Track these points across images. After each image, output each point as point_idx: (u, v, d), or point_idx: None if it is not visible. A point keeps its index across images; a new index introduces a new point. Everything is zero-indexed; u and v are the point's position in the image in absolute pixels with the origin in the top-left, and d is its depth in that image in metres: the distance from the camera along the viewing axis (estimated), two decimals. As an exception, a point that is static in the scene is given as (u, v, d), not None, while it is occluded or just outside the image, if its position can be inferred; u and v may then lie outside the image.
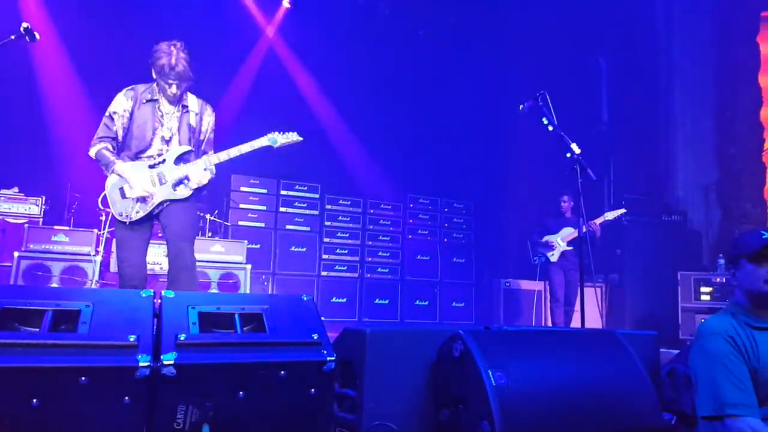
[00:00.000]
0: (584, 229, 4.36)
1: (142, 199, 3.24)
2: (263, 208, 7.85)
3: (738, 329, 2.04)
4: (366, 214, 8.50)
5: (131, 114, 3.30)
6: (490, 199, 9.22)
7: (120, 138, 3.32)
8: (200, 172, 3.30)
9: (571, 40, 8.45)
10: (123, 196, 3.25)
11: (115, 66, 7.06)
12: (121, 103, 3.31)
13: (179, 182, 3.31)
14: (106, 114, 3.32)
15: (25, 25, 2.76)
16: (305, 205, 8.11)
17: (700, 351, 2.05)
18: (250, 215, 7.74)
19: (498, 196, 9.26)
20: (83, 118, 6.98)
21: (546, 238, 6.50)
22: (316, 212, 8.17)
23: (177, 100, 3.39)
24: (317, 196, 8.20)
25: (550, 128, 4.07)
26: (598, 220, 6.11)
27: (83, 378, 1.60)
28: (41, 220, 6.13)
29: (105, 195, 3.30)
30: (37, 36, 2.83)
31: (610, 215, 6.17)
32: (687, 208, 8.14)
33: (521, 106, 4.26)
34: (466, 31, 9.02)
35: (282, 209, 7.96)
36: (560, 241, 6.39)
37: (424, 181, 8.95)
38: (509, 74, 8.73)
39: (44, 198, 6.24)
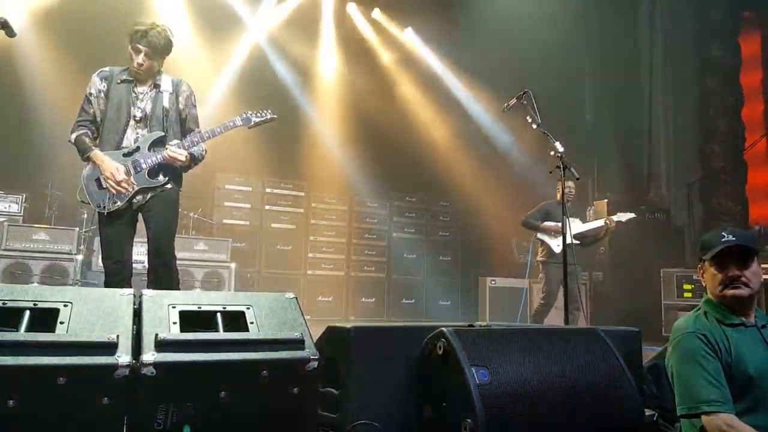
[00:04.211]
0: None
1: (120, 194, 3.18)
2: (248, 206, 7.80)
3: (710, 326, 2.06)
4: (352, 213, 8.48)
5: (107, 94, 3.24)
6: (475, 197, 9.25)
7: (98, 121, 3.27)
8: (173, 152, 3.20)
9: (556, 39, 8.50)
10: (100, 186, 3.18)
11: (98, 61, 6.97)
12: (94, 84, 3.27)
13: (154, 169, 3.24)
14: (84, 97, 3.28)
15: (1, 18, 2.70)
16: (291, 203, 8.07)
17: (675, 350, 2.07)
18: (234, 213, 7.68)
19: (483, 194, 9.29)
20: (64, 115, 6.88)
21: (550, 224, 5.78)
22: (301, 210, 8.13)
23: (149, 77, 3.30)
24: (303, 194, 8.17)
25: (534, 127, 4.08)
26: (615, 218, 5.74)
27: (61, 378, 1.57)
28: (21, 218, 6.04)
29: (82, 187, 3.22)
30: (16, 31, 2.77)
31: (623, 216, 5.79)
32: (670, 205, 8.23)
33: (505, 104, 4.26)
34: (452, 31, 9.02)
35: (267, 207, 7.91)
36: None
37: (410, 179, 8.95)
38: (494, 72, 8.74)
39: (24, 196, 6.15)
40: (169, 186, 3.30)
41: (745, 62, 8.37)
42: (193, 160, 3.33)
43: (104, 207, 3.17)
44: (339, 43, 9.05)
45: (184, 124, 3.43)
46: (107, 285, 3.17)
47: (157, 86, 3.32)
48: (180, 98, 3.40)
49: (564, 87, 8.68)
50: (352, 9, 9.22)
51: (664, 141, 8.59)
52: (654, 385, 2.42)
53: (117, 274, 3.18)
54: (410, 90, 9.40)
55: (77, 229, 5.90)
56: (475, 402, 1.79)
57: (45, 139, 6.81)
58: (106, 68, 3.32)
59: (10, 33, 2.79)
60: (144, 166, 3.20)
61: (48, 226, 5.87)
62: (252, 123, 3.42)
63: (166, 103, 3.31)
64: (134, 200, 3.23)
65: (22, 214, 6.08)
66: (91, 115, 3.26)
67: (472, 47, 8.97)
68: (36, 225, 5.84)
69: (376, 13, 9.33)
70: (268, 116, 3.46)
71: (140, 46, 3.17)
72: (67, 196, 6.48)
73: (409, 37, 9.47)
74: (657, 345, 4.00)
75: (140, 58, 3.19)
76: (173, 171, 3.33)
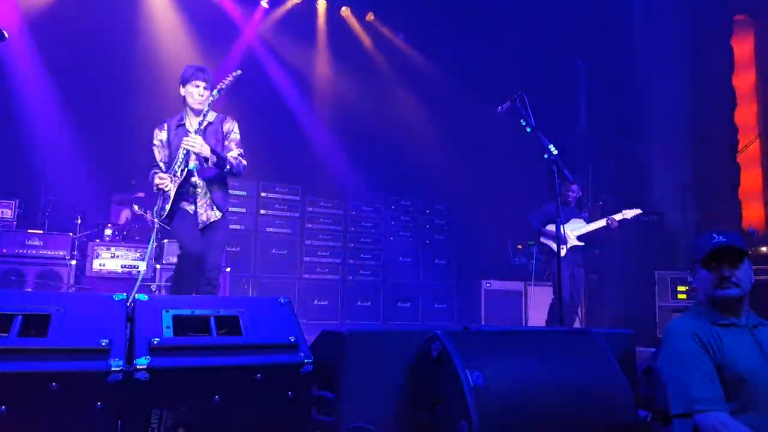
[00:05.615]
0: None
1: (166, 195, 3.65)
2: (243, 210, 7.77)
3: (703, 327, 2.08)
4: (347, 216, 8.47)
5: (169, 142, 3.78)
6: (470, 200, 9.26)
7: (164, 164, 3.80)
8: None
9: (550, 41, 8.52)
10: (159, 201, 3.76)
11: (89, 67, 6.96)
12: (156, 135, 3.84)
13: (188, 168, 3.67)
14: (151, 149, 3.86)
15: (-7, 23, 2.69)
16: (286, 207, 8.04)
17: (668, 351, 2.08)
18: (229, 217, 7.64)
19: (478, 197, 9.30)
20: (57, 120, 6.87)
21: (553, 227, 5.83)
22: (296, 214, 8.11)
23: (200, 112, 3.70)
24: (298, 198, 8.14)
25: (528, 130, 4.08)
26: (617, 217, 5.77)
27: (53, 383, 1.57)
28: (15, 223, 6.00)
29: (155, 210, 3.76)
30: (6, 35, 2.76)
31: (628, 213, 5.83)
32: (664, 208, 8.24)
33: (499, 107, 4.27)
34: (446, 34, 9.05)
35: (262, 211, 7.88)
36: (570, 233, 5.77)
37: (405, 183, 8.95)
38: (488, 75, 8.77)
39: (17, 201, 6.11)
40: (219, 215, 3.96)
41: (737, 64, 8.42)
42: (222, 162, 3.69)
43: (159, 215, 3.71)
44: (333, 47, 9.05)
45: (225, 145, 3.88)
46: (180, 280, 3.61)
47: (210, 123, 3.80)
48: (224, 127, 3.89)
49: (558, 90, 8.69)
50: (346, 12, 9.23)
51: (657, 143, 8.62)
52: (647, 386, 2.42)
53: (187, 270, 3.59)
54: (404, 92, 9.40)
55: (71, 234, 5.87)
56: (469, 405, 1.79)
57: (38, 144, 6.79)
58: (163, 120, 3.84)
59: (0, 36, 2.78)
60: (179, 173, 3.68)
61: (42, 232, 5.84)
62: (217, 88, 3.70)
63: (214, 132, 3.82)
64: (191, 209, 3.74)
65: (15, 219, 6.04)
66: (158, 161, 3.83)
67: (465, 49, 9.00)
68: (29, 230, 5.80)
69: (370, 17, 9.35)
70: (234, 74, 3.71)
71: (199, 81, 3.70)
72: (60, 201, 6.45)
73: (403, 40, 9.49)
74: (651, 346, 4.01)
75: (201, 90, 3.70)
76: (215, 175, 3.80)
